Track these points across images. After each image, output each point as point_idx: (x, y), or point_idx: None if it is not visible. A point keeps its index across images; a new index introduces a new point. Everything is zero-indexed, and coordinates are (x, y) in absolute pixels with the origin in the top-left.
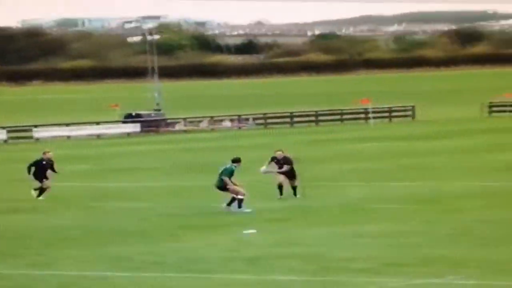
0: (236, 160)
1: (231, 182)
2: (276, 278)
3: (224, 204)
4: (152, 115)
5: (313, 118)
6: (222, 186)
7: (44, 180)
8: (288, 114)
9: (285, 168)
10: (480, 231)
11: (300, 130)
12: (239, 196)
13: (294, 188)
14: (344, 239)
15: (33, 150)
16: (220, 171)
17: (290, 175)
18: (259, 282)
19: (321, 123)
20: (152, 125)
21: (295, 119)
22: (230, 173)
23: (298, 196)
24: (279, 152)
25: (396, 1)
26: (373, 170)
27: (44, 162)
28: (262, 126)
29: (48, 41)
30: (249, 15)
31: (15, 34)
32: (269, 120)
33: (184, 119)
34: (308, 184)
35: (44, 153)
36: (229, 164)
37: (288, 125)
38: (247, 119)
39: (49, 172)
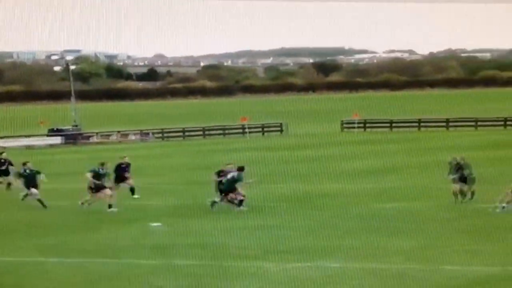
0: (242, 169)
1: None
2: (177, 263)
3: (237, 206)
4: (71, 130)
5: (201, 133)
6: (232, 190)
7: None
8: (181, 129)
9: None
10: (340, 224)
11: (191, 142)
12: (242, 198)
13: None
14: (234, 231)
15: None
16: (228, 177)
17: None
18: (162, 266)
19: (207, 137)
20: (71, 138)
21: (187, 133)
22: (241, 179)
23: None
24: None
25: (268, 38)
26: (251, 173)
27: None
28: (160, 139)
29: None
30: (151, 49)
31: None
32: (166, 134)
33: (97, 133)
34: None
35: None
36: (236, 172)
37: (181, 138)
38: (148, 133)
39: None
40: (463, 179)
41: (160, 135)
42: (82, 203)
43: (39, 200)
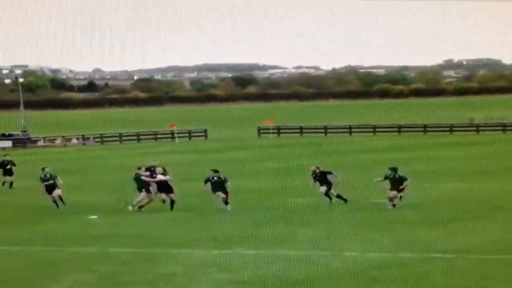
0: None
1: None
2: (113, 250)
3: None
4: (20, 134)
5: (135, 137)
6: (224, 191)
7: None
8: (118, 134)
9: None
10: (255, 216)
11: (128, 146)
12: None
13: None
14: (161, 222)
15: None
16: (214, 180)
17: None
18: (99, 253)
19: (142, 141)
20: (20, 142)
21: (123, 138)
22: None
23: None
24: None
25: (192, 56)
26: (179, 173)
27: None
28: (99, 143)
29: None
30: (90, 64)
31: None
32: (104, 139)
33: (44, 137)
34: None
35: None
36: (222, 175)
37: (118, 142)
38: (88, 138)
39: None
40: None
41: (100, 139)
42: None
43: (55, 201)
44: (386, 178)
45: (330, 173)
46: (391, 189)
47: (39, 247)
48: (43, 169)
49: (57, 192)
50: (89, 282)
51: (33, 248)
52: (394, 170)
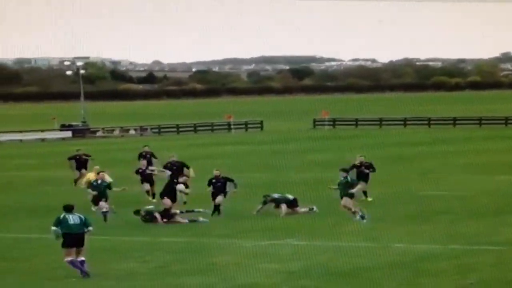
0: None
1: None
2: (165, 240)
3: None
4: (80, 125)
5: (192, 129)
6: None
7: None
8: (175, 125)
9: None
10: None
11: (184, 137)
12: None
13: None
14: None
15: None
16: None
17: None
18: (152, 243)
19: (198, 132)
20: (80, 132)
21: (180, 129)
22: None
23: None
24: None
25: (250, 48)
26: (234, 164)
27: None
28: (157, 134)
29: (8, 73)
30: (150, 56)
31: None
32: (162, 129)
33: (103, 128)
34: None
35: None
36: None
37: (175, 133)
38: (146, 129)
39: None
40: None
41: (157, 130)
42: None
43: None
44: (339, 184)
45: (231, 180)
46: (343, 196)
47: (91, 235)
48: (98, 174)
49: (103, 204)
50: (141, 271)
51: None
52: (346, 171)
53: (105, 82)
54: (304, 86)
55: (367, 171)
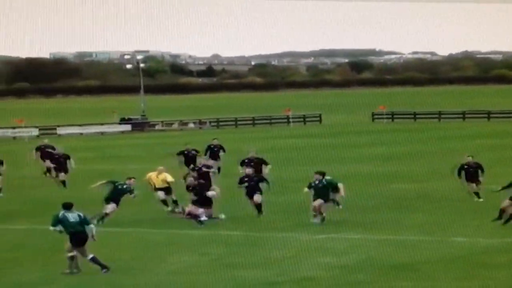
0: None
1: None
2: (222, 233)
3: None
4: (139, 119)
5: (251, 122)
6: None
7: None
8: (234, 118)
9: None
10: (361, 202)
11: (243, 130)
12: None
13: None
14: (272, 207)
15: (56, 143)
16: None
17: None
18: (209, 235)
19: (257, 125)
20: (139, 126)
21: (239, 122)
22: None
23: None
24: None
25: (309, 42)
26: (292, 157)
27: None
28: (215, 127)
29: (69, 67)
30: (209, 50)
31: (46, 62)
32: (220, 123)
33: (162, 122)
34: None
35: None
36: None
37: (233, 126)
38: (205, 122)
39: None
40: None
41: (216, 123)
42: None
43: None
44: (310, 187)
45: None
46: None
47: (146, 228)
48: (129, 179)
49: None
50: (198, 264)
51: (141, 229)
52: (322, 174)
53: (165, 76)
54: (362, 79)
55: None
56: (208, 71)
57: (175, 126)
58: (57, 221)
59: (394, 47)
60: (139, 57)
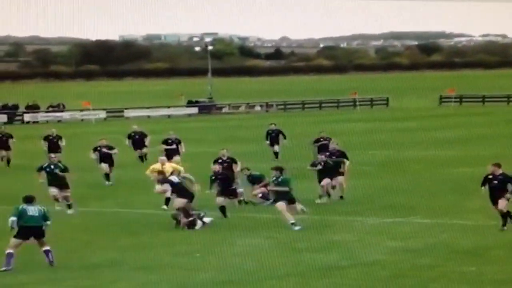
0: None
1: None
2: None
3: None
4: (206, 101)
5: (318, 105)
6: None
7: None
8: (300, 102)
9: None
10: (427, 186)
11: (309, 113)
12: None
13: None
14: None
15: (123, 126)
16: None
17: None
18: (276, 219)
19: (323, 109)
20: (206, 109)
21: (306, 105)
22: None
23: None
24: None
25: (377, 24)
26: (357, 141)
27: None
28: (282, 110)
29: (138, 49)
30: (278, 32)
31: (115, 45)
32: (287, 106)
33: (229, 104)
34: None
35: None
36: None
37: (300, 110)
38: (272, 105)
39: None
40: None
41: (283, 106)
42: None
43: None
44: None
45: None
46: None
47: (214, 211)
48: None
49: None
50: (264, 247)
51: (209, 213)
52: (280, 170)
53: (233, 58)
54: (431, 62)
55: None
56: (276, 53)
57: (242, 109)
58: (18, 212)
59: (464, 29)
60: (208, 39)
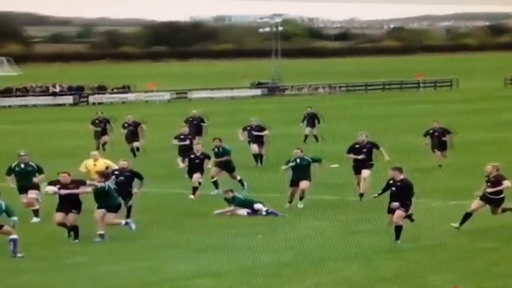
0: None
1: None
2: (351, 199)
3: None
4: (270, 83)
5: (381, 87)
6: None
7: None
8: (364, 83)
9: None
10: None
11: (372, 95)
12: None
13: None
14: None
15: (186, 107)
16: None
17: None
18: (338, 201)
19: (386, 90)
20: (270, 90)
21: (369, 87)
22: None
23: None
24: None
25: (447, 4)
26: (417, 124)
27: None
28: (345, 92)
29: (206, 31)
30: (345, 14)
31: (183, 26)
32: (350, 88)
33: (292, 86)
34: None
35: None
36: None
37: (364, 91)
38: (334, 87)
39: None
40: None
41: (345, 88)
42: None
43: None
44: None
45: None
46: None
47: (275, 194)
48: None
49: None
50: (327, 229)
51: (272, 195)
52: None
53: (301, 40)
54: (500, 43)
55: None
56: (344, 35)
57: (305, 90)
58: None
59: None
60: (277, 20)
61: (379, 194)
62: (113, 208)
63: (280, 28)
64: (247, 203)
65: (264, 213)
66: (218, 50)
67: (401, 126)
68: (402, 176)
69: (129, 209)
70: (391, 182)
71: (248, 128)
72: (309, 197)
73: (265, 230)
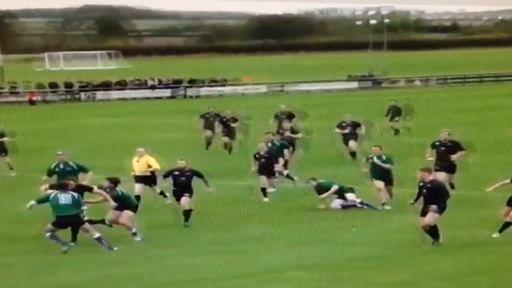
0: None
1: None
2: None
3: None
4: (366, 76)
5: (478, 79)
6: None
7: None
8: (462, 76)
9: None
10: None
11: (470, 87)
12: None
13: None
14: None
15: (280, 101)
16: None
17: None
18: None
19: (484, 83)
20: (366, 83)
21: (466, 79)
22: None
23: None
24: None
25: None
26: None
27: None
28: (442, 84)
29: (314, 22)
30: (454, 6)
31: (293, 18)
32: (448, 80)
33: (387, 79)
34: None
35: None
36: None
37: (461, 84)
38: (430, 79)
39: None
40: None
41: (442, 81)
42: None
43: None
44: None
45: None
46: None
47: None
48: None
49: None
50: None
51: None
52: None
53: (407, 32)
54: None
55: None
56: (453, 27)
57: (401, 83)
58: (46, 199)
59: None
60: (384, 12)
61: (415, 201)
62: (131, 208)
63: (387, 21)
64: (340, 191)
65: (358, 205)
66: (324, 42)
67: (499, 119)
68: (431, 177)
69: (188, 214)
70: (421, 184)
71: (343, 124)
72: (401, 191)
73: (359, 223)
